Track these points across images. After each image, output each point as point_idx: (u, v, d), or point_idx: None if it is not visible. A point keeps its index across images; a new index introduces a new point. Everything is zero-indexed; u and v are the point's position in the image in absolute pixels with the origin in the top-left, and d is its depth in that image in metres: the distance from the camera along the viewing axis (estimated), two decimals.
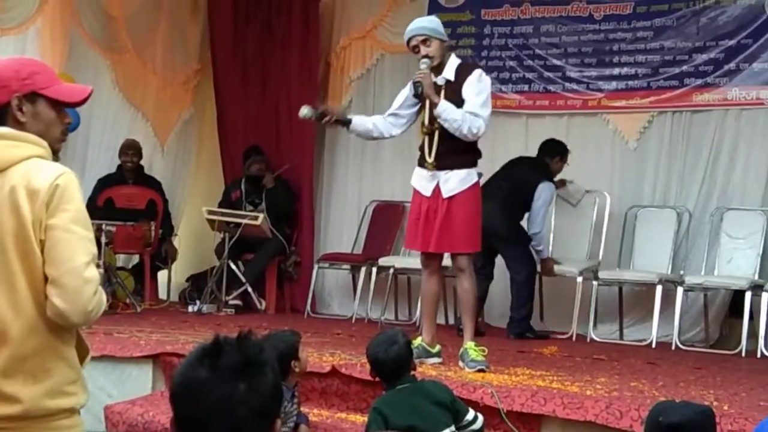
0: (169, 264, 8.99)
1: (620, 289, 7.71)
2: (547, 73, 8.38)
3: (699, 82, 7.80)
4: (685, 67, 7.85)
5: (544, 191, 7.44)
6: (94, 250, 2.58)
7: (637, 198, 7.99)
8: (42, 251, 2.49)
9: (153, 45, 9.28)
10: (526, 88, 8.44)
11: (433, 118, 5.66)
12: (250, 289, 8.43)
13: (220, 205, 8.88)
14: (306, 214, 9.09)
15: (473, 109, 5.56)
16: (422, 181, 5.75)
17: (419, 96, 5.69)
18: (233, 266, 8.44)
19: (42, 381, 2.51)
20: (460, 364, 5.61)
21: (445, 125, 5.57)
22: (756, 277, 7.18)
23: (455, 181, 5.65)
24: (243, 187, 8.96)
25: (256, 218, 8.41)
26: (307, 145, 9.17)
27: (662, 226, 7.71)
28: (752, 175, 7.63)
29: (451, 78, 5.68)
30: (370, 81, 9.24)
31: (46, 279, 2.49)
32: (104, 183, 8.75)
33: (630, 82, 8.07)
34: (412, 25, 5.78)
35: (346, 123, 5.85)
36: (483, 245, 5.93)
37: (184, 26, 9.54)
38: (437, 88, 5.67)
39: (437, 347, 5.83)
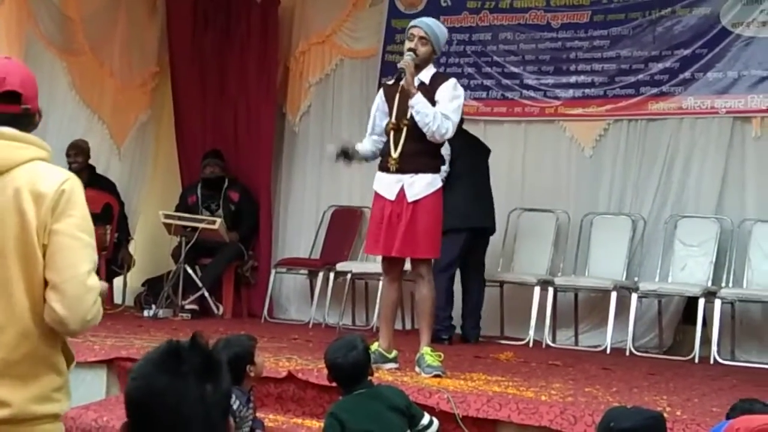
0: (125, 270, 8.91)
1: (576, 296, 7.77)
2: (505, 81, 8.43)
3: (654, 90, 7.88)
4: (640, 76, 7.93)
5: None
6: (96, 257, 2.57)
7: (593, 205, 8.05)
8: (44, 255, 2.46)
9: (110, 47, 9.21)
10: (484, 95, 8.49)
11: (401, 116, 5.67)
12: (207, 294, 8.39)
13: (177, 209, 8.82)
14: (264, 218, 9.06)
15: (445, 111, 5.59)
16: (385, 184, 5.73)
17: (399, 80, 5.68)
18: (190, 271, 8.39)
19: (30, 386, 2.49)
20: (417, 369, 5.62)
21: (417, 117, 5.57)
22: (709, 284, 7.27)
23: (421, 185, 5.65)
24: (199, 191, 8.91)
25: (213, 222, 8.37)
26: (265, 149, 9.14)
27: (617, 233, 7.78)
28: (706, 183, 7.72)
29: (426, 82, 5.71)
30: (329, 86, 9.24)
31: (45, 284, 2.47)
32: None
33: (587, 90, 8.14)
34: (427, 20, 5.82)
35: (355, 157, 5.90)
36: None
37: (142, 28, 9.47)
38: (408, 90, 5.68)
39: (394, 353, 5.84)
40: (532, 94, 8.31)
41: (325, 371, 4.48)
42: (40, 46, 8.67)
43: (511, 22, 8.43)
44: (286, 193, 9.36)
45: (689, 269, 7.47)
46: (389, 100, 5.78)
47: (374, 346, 5.65)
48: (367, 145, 5.91)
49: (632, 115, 8.01)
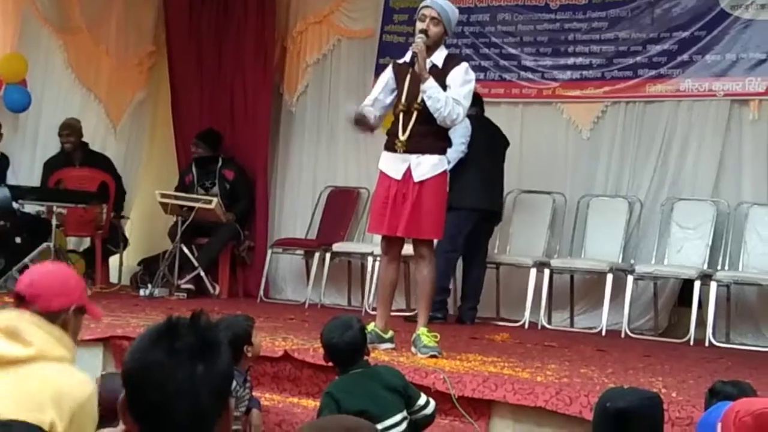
0: (121, 247, 8.91)
1: (572, 278, 7.78)
2: (502, 62, 8.41)
3: (652, 73, 7.87)
4: (639, 58, 7.92)
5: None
6: None
7: (590, 187, 8.05)
8: None
9: (107, 25, 9.18)
10: (481, 76, 8.45)
11: (412, 99, 5.63)
12: (203, 274, 8.39)
13: (177, 189, 8.81)
14: (260, 199, 9.05)
15: (456, 96, 5.57)
16: (391, 164, 5.70)
17: (412, 65, 5.63)
18: (186, 250, 8.38)
19: None
20: (413, 349, 5.62)
21: (428, 102, 5.54)
22: (705, 266, 7.28)
23: (427, 166, 5.63)
24: (194, 170, 8.89)
25: (209, 202, 8.36)
26: (262, 129, 9.13)
27: (614, 216, 7.78)
28: (703, 165, 7.71)
29: (438, 65, 5.68)
30: (327, 66, 9.21)
31: None
32: (51, 165, 8.65)
33: (584, 72, 8.13)
34: (438, 0, 5.70)
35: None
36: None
37: (139, 7, 9.44)
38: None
39: (390, 333, 5.84)
40: (529, 75, 8.29)
41: (321, 351, 4.48)
42: (36, 24, 8.65)
43: (509, 3, 8.40)
44: (282, 174, 9.35)
45: (685, 252, 7.47)
46: (399, 81, 5.75)
47: (370, 326, 5.66)
48: (371, 111, 5.79)
49: (630, 97, 8.00)
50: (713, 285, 7.00)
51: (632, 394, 3.09)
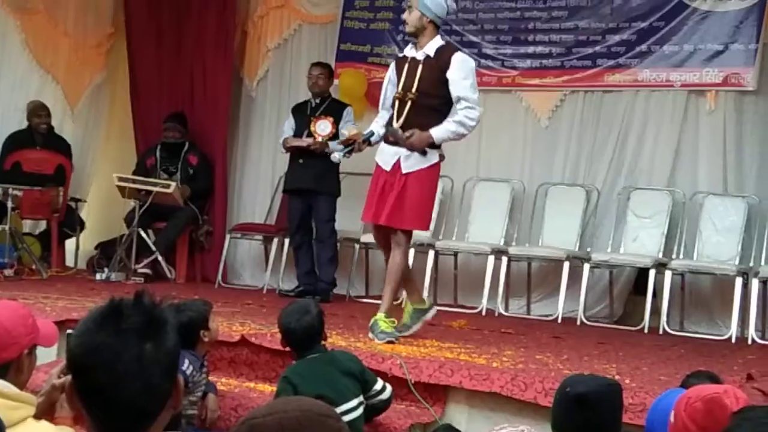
0: (78, 231, 8.83)
1: (529, 265, 7.83)
2: (463, 49, 8.39)
3: (611, 62, 7.92)
4: (598, 48, 7.97)
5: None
6: None
7: (548, 175, 8.10)
8: None
9: (65, 6, 9.08)
10: None
11: (407, 88, 5.72)
12: (160, 258, 8.34)
13: (136, 173, 8.71)
14: (219, 183, 9.01)
15: (463, 93, 5.66)
16: (384, 155, 5.80)
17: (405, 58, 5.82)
18: (144, 234, 8.33)
19: None
20: (370, 335, 5.65)
21: (452, 138, 5.74)
22: (660, 255, 7.35)
23: (416, 158, 5.70)
24: (158, 154, 8.81)
25: (167, 186, 8.30)
26: (222, 114, 9.08)
27: (571, 204, 7.83)
28: (659, 155, 7.79)
29: (431, 54, 5.74)
30: (288, 51, 9.18)
31: None
32: (13, 142, 8.53)
33: (544, 61, 8.17)
34: None
35: (370, 138, 5.86)
36: None
37: None
38: (417, 63, 5.73)
39: (428, 301, 6.07)
40: (490, 63, 8.31)
41: (279, 336, 4.49)
42: None
43: None
44: (242, 159, 9.31)
45: (641, 240, 7.55)
46: (398, 72, 5.84)
47: (408, 308, 5.82)
48: (379, 124, 5.91)
49: (588, 86, 8.05)
50: (668, 273, 7.09)
51: (593, 380, 3.14)
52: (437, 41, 5.79)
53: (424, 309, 5.92)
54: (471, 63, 5.86)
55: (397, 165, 5.70)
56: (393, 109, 5.81)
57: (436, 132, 5.65)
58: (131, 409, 1.72)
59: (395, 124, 5.73)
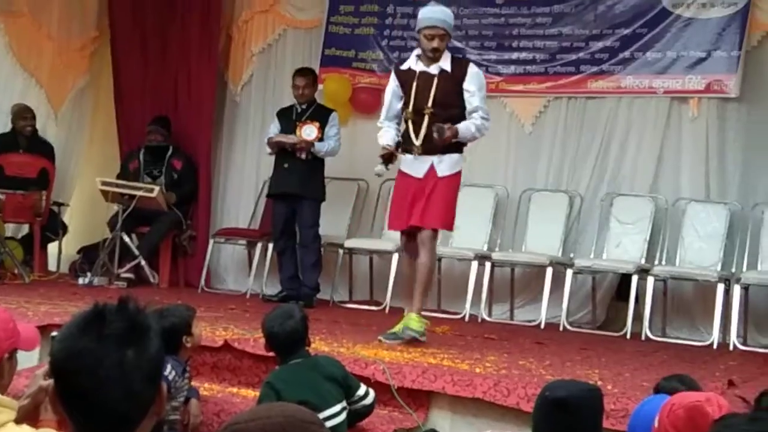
0: (60, 235, 8.80)
1: (512, 271, 7.84)
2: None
3: (594, 69, 7.95)
4: (581, 54, 8.00)
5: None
6: None
7: (531, 181, 8.12)
8: None
9: (49, 9, 9.05)
10: None
11: (422, 104, 5.83)
12: (143, 263, 8.31)
13: (120, 177, 8.67)
14: (203, 188, 8.98)
15: (480, 104, 5.83)
16: (412, 164, 5.91)
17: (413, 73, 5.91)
18: (127, 239, 8.30)
19: None
20: (392, 338, 5.77)
21: (467, 138, 5.86)
22: (643, 261, 7.38)
23: (450, 163, 5.90)
24: (142, 157, 8.78)
25: (151, 190, 8.28)
26: (206, 118, 9.06)
27: (554, 210, 7.85)
28: (642, 162, 7.82)
29: (447, 69, 5.86)
30: (272, 56, 9.17)
31: None
32: None
33: (528, 67, 8.19)
34: (436, 14, 5.88)
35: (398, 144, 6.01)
36: None
37: None
38: (430, 77, 5.83)
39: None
40: None
41: (262, 341, 4.49)
42: None
43: None
44: (226, 163, 9.29)
45: (624, 246, 7.58)
46: (406, 88, 5.92)
47: (412, 315, 5.84)
48: (393, 134, 5.99)
49: (572, 92, 8.08)
50: (650, 279, 7.11)
51: (573, 385, 3.16)
52: (447, 54, 5.93)
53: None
54: (482, 74, 6.06)
55: (431, 171, 5.84)
56: (407, 126, 5.89)
57: (461, 126, 5.77)
58: (113, 415, 1.72)
59: (416, 141, 5.85)
